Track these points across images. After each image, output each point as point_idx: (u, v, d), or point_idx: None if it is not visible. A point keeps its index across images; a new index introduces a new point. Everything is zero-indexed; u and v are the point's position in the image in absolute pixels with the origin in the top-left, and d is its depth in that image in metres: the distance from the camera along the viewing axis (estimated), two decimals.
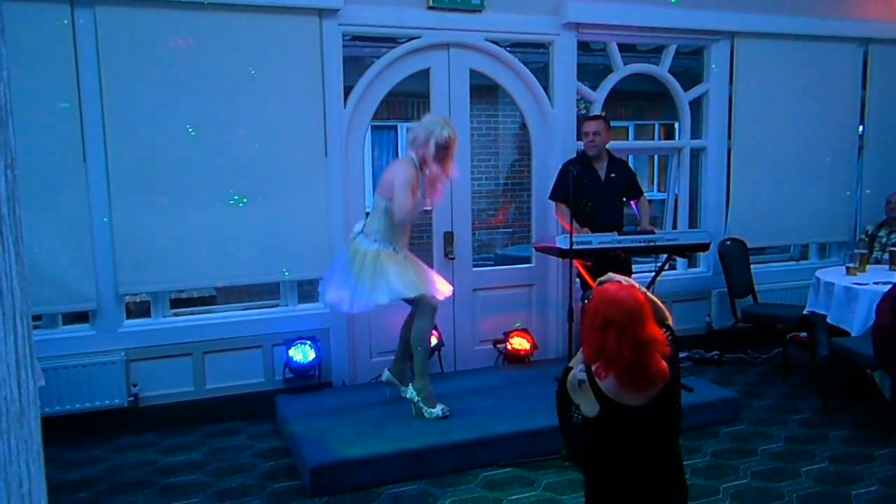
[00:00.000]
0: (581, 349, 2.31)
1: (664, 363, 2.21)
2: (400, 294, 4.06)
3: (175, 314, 4.81)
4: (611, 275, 2.45)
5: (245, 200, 4.57)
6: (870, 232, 5.96)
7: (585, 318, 2.27)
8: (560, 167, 5.04)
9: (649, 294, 2.36)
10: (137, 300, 5.34)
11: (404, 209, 4.00)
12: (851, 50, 6.14)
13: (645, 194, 5.29)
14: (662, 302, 2.43)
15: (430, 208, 4.42)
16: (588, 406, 2.27)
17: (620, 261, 4.69)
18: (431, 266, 4.76)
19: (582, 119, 5.51)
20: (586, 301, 2.33)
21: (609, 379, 2.21)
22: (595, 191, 4.90)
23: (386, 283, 4.04)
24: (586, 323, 2.26)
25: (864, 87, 6.25)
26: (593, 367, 2.24)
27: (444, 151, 4.09)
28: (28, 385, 1.08)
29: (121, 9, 4.22)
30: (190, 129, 4.42)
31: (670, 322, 2.42)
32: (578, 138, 5.37)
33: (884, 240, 5.81)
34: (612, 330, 2.16)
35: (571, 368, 2.36)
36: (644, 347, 2.16)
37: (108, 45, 4.22)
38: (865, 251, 5.51)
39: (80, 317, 4.55)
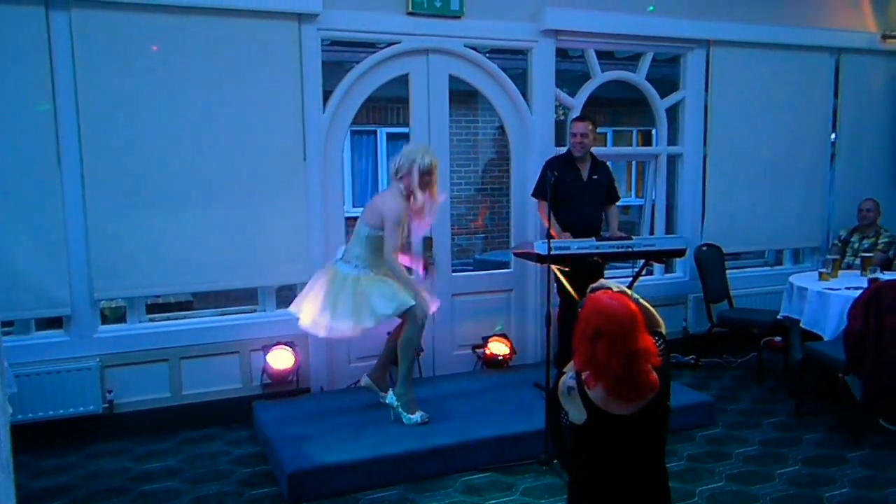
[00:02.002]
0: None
1: (654, 375, 2.20)
2: (384, 314, 4.08)
3: (151, 319, 4.76)
4: (603, 282, 2.45)
5: (222, 205, 4.54)
6: (842, 237, 6.06)
7: (577, 327, 2.25)
8: (543, 164, 5.05)
9: (642, 301, 2.35)
10: (112, 305, 5.27)
11: (393, 251, 4.11)
12: (823, 59, 6.25)
13: (618, 202, 5.32)
14: None
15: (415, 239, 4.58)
16: (576, 413, 2.27)
17: (595, 265, 4.72)
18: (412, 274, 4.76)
19: (561, 124, 5.55)
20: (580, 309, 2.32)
21: (598, 388, 2.21)
22: (576, 191, 4.92)
23: (368, 307, 4.06)
24: (577, 332, 2.24)
25: (835, 95, 6.36)
26: (583, 376, 2.25)
27: (427, 177, 4.19)
28: None
29: (96, 11, 4.18)
30: (167, 134, 4.37)
31: (662, 329, 2.42)
32: (557, 144, 5.42)
33: (856, 245, 5.91)
34: (603, 340, 2.15)
35: (564, 374, 2.36)
36: (634, 359, 2.15)
37: (83, 48, 4.17)
38: (838, 257, 5.61)
39: (54, 322, 4.48)
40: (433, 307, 4.38)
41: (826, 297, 4.81)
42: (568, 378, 2.30)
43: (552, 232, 4.53)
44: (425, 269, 4.55)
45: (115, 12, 4.21)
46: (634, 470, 2.29)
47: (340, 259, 4.27)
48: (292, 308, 4.36)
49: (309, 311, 4.21)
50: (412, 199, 4.20)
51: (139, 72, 4.30)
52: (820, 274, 5.22)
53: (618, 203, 5.28)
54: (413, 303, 4.13)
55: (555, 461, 3.93)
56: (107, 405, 4.42)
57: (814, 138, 6.31)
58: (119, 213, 4.33)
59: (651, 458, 2.33)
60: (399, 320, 4.26)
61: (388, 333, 4.45)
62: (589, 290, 2.40)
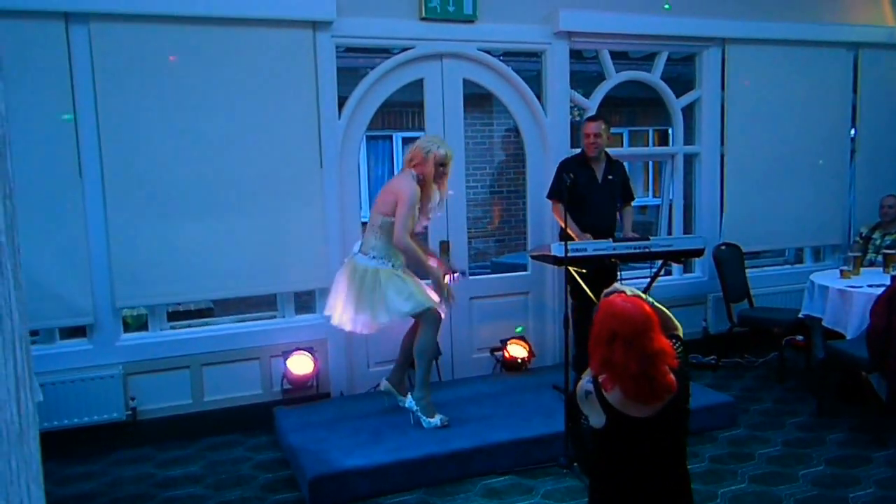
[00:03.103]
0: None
1: (671, 376, 2.20)
2: (399, 310, 4.09)
3: (172, 327, 4.81)
4: (616, 286, 2.45)
5: (241, 213, 4.58)
6: (864, 234, 5.99)
7: (592, 331, 2.27)
8: (557, 165, 5.04)
9: (657, 304, 2.35)
10: (134, 313, 5.33)
11: (405, 231, 4.08)
12: (842, 54, 6.19)
13: (633, 201, 5.30)
14: None
15: (422, 230, 4.57)
16: (595, 417, 2.27)
17: (610, 267, 4.70)
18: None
19: (576, 125, 5.54)
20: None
21: (615, 391, 2.21)
22: (591, 192, 4.90)
23: (384, 302, 4.08)
24: (593, 336, 2.26)
25: (854, 91, 6.30)
26: (600, 379, 2.25)
27: (442, 168, 4.22)
28: (27, 406, 1.09)
29: (115, 24, 4.24)
30: (185, 143, 4.43)
31: (679, 332, 2.41)
32: (572, 146, 5.40)
33: (878, 242, 5.83)
34: (619, 343, 2.16)
35: (582, 379, 2.37)
36: (651, 360, 2.16)
37: (102, 60, 4.23)
38: (859, 254, 5.54)
39: (78, 331, 4.54)
40: (442, 312, 4.33)
41: (848, 295, 4.76)
42: (585, 382, 2.30)
43: (572, 234, 4.53)
44: (447, 272, 4.52)
45: (134, 24, 4.27)
46: (656, 472, 2.28)
47: (358, 252, 4.27)
48: (326, 311, 4.40)
49: (336, 307, 4.25)
50: (425, 188, 4.22)
51: (157, 83, 4.35)
52: (841, 272, 5.16)
53: (633, 203, 5.25)
54: (430, 305, 4.14)
55: (575, 464, 3.92)
56: (130, 412, 4.47)
57: (833, 134, 6.25)
58: (139, 222, 4.39)
59: (672, 461, 2.32)
60: (412, 320, 4.27)
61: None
62: (602, 294, 2.41)
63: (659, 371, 2.17)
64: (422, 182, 4.22)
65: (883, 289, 4.33)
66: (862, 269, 5.27)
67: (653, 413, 2.21)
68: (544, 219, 5.41)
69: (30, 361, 1.12)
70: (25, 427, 1.10)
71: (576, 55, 5.56)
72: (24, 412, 1.09)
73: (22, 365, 1.09)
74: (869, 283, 4.84)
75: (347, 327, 4.22)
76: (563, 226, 4.43)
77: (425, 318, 4.18)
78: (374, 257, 4.18)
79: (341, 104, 4.84)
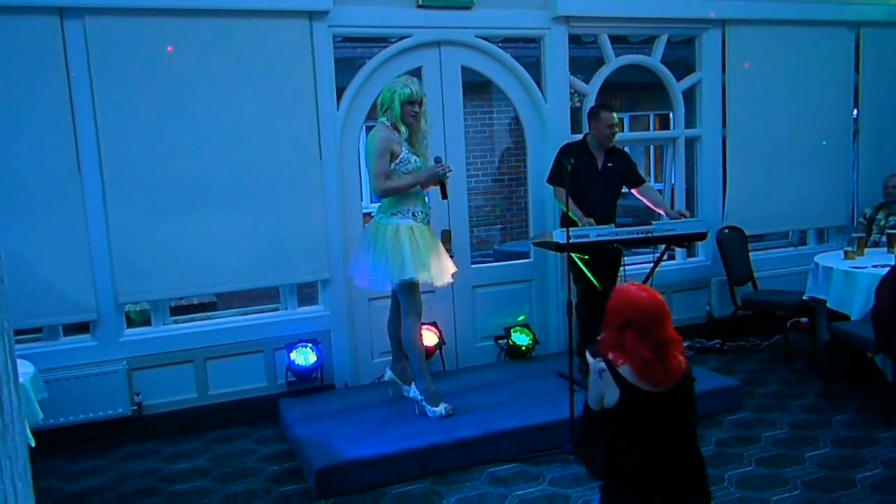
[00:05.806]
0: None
1: (682, 358, 2.26)
2: (409, 274, 4.01)
3: (175, 321, 4.80)
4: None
5: (241, 206, 4.57)
6: (868, 215, 5.96)
7: (605, 317, 2.31)
8: (557, 150, 5.00)
9: None
10: (137, 308, 5.33)
11: (380, 184, 4.03)
12: (843, 34, 6.13)
13: (644, 184, 5.25)
14: (663, 292, 2.47)
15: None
16: (610, 394, 2.29)
17: (614, 253, 4.68)
18: None
19: (576, 111, 5.49)
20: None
21: (626, 365, 2.25)
22: (590, 180, 4.87)
23: (401, 260, 4.03)
24: (606, 321, 2.30)
25: (856, 70, 6.24)
26: (610, 356, 2.28)
27: (410, 108, 4.06)
28: (11, 402, 1.07)
29: (110, 18, 4.21)
30: (184, 137, 4.41)
31: None
32: (573, 132, 5.37)
33: (882, 223, 5.81)
34: (632, 331, 2.21)
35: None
36: (664, 348, 2.21)
37: (98, 55, 4.21)
38: (863, 234, 5.52)
39: (81, 327, 4.54)
40: (449, 275, 4.24)
41: (852, 276, 4.74)
42: (596, 362, 2.33)
43: (575, 218, 4.50)
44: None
45: (128, 18, 4.25)
46: (672, 447, 2.29)
47: (378, 211, 4.23)
48: (349, 272, 4.39)
49: (360, 269, 4.20)
50: (401, 130, 4.08)
51: (154, 77, 4.33)
52: (845, 253, 5.13)
53: (645, 184, 5.17)
54: (414, 275, 4.04)
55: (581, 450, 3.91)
56: (135, 407, 4.48)
57: (835, 115, 6.20)
58: (140, 217, 4.38)
59: (687, 437, 2.33)
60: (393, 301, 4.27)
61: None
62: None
63: (671, 355, 2.24)
64: (393, 126, 4.08)
65: (887, 269, 4.31)
66: (866, 250, 5.26)
67: (665, 390, 2.24)
68: (546, 206, 5.39)
69: (13, 356, 1.10)
70: (9, 422, 1.08)
71: (575, 40, 5.51)
72: (7, 407, 1.07)
73: (4, 360, 1.07)
74: (873, 263, 4.82)
75: (376, 287, 4.16)
76: (564, 210, 4.40)
77: (406, 306, 4.15)
78: (392, 214, 4.10)
79: (339, 95, 4.81)
